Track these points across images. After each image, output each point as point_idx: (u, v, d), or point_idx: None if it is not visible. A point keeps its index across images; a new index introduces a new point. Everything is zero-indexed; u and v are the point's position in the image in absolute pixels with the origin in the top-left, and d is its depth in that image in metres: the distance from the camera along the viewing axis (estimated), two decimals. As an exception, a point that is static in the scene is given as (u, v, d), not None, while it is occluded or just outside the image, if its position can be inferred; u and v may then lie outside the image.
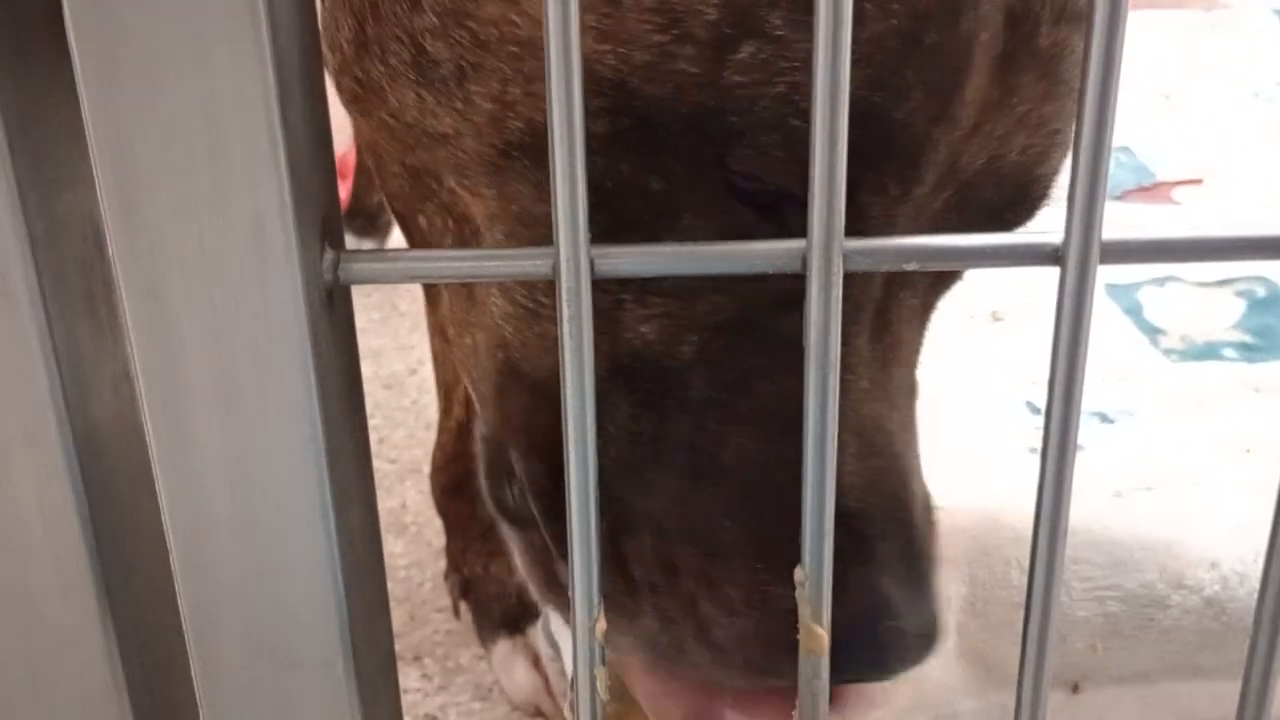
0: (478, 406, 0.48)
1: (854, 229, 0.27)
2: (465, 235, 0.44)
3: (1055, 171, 0.44)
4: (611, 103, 0.38)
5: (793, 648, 0.33)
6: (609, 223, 0.37)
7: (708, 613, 0.40)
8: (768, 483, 0.40)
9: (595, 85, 0.37)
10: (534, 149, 0.39)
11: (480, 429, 0.49)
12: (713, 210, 0.39)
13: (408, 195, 0.46)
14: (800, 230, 0.27)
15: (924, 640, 0.41)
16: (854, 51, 0.29)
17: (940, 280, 0.45)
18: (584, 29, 0.39)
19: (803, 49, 0.35)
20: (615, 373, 0.41)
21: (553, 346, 0.40)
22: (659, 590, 0.41)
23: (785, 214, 0.39)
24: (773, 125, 0.37)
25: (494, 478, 0.47)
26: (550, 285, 0.39)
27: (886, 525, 0.42)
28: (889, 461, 0.43)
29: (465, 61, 0.40)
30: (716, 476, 0.41)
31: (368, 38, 0.43)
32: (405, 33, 0.41)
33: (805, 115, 0.30)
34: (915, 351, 0.46)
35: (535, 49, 0.38)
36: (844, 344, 0.41)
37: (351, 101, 0.45)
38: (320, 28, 0.40)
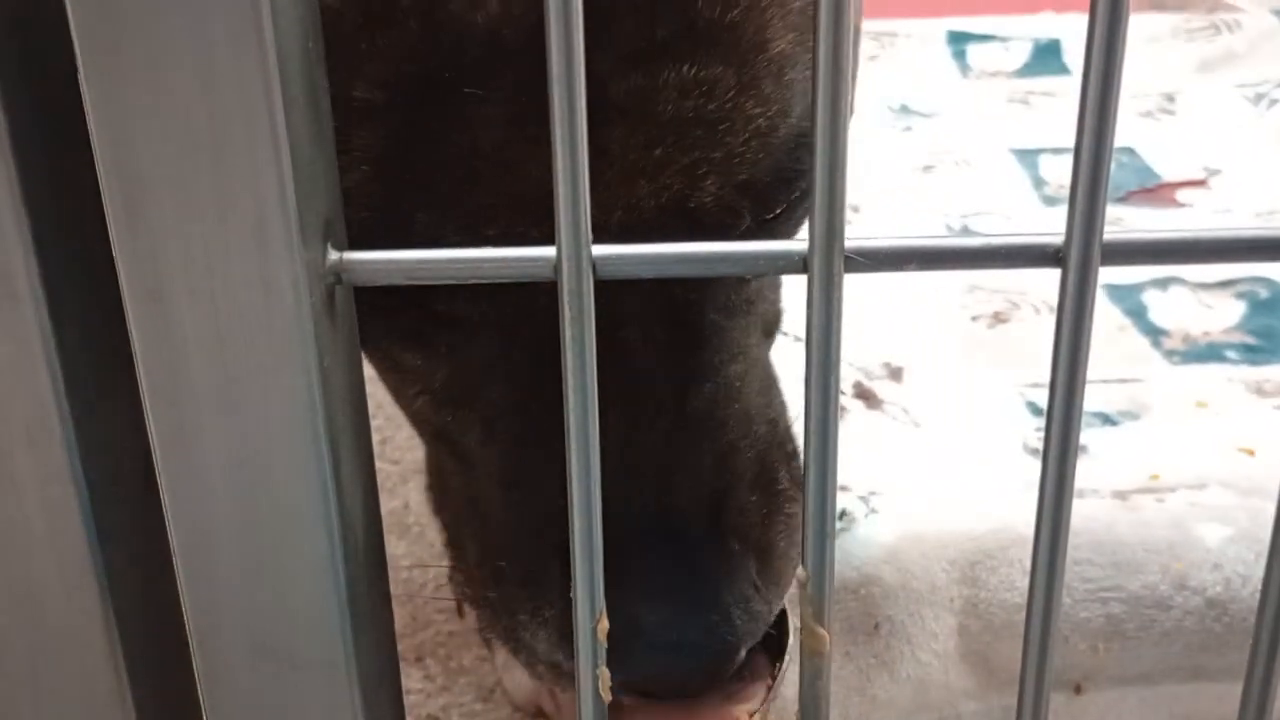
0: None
1: None
2: None
3: (718, 196, 0.43)
4: None
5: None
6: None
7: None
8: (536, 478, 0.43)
9: None
10: None
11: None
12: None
13: None
14: None
15: (709, 654, 0.41)
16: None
17: (683, 285, 0.45)
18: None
19: None
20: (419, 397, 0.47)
21: None
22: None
23: None
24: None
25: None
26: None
27: (633, 544, 0.41)
28: (645, 478, 0.42)
29: None
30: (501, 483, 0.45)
31: None
32: None
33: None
34: (679, 362, 0.45)
35: None
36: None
37: None
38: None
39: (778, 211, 0.45)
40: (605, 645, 0.30)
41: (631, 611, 0.39)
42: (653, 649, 0.40)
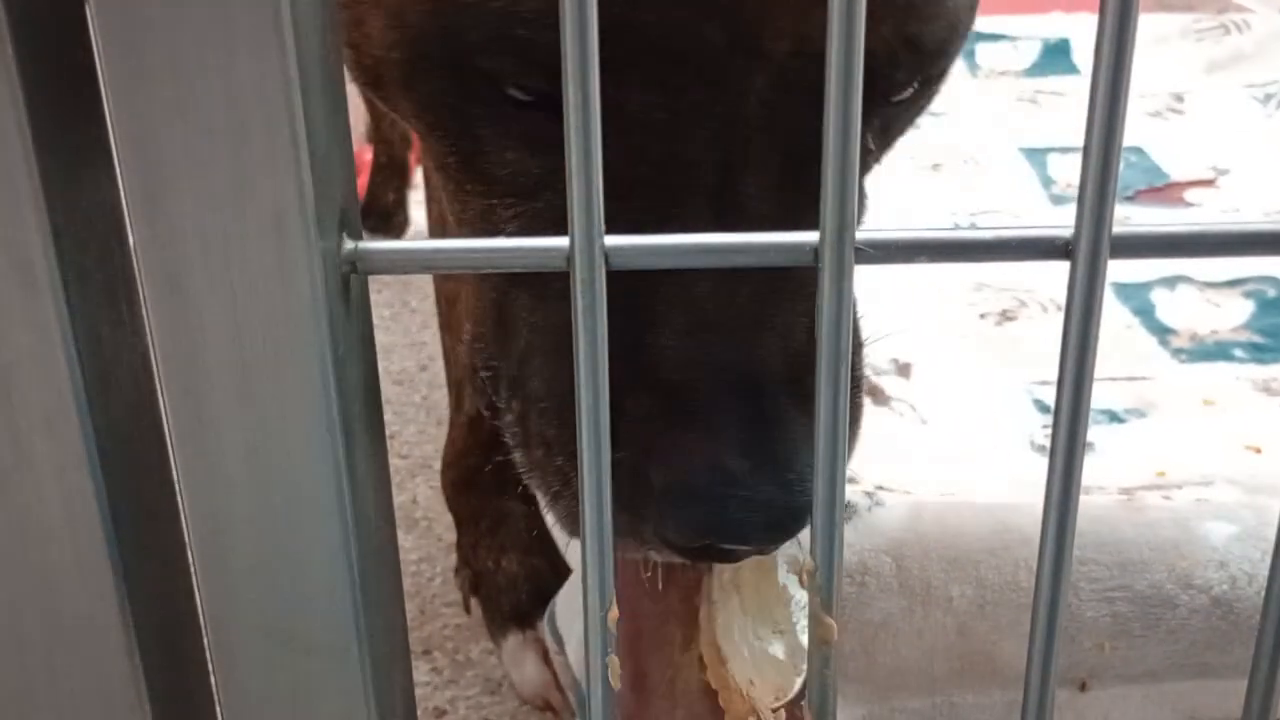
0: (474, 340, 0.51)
1: None
2: None
3: (887, 43, 0.44)
4: (401, 35, 0.45)
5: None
6: (431, 136, 0.46)
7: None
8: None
9: (391, 19, 0.44)
10: None
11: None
12: (507, 120, 0.44)
13: None
14: None
15: (778, 511, 0.40)
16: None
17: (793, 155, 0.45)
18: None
19: None
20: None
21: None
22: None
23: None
24: (502, 36, 0.41)
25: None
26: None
27: (716, 396, 0.41)
28: (727, 336, 0.42)
29: None
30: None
31: None
32: None
33: (527, 25, 0.40)
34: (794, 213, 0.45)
35: None
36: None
37: None
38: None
39: (909, 92, 0.47)
40: (615, 634, 0.30)
41: (714, 463, 0.39)
42: (732, 500, 0.40)
